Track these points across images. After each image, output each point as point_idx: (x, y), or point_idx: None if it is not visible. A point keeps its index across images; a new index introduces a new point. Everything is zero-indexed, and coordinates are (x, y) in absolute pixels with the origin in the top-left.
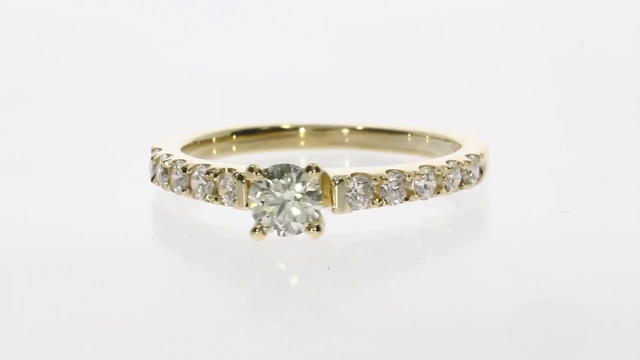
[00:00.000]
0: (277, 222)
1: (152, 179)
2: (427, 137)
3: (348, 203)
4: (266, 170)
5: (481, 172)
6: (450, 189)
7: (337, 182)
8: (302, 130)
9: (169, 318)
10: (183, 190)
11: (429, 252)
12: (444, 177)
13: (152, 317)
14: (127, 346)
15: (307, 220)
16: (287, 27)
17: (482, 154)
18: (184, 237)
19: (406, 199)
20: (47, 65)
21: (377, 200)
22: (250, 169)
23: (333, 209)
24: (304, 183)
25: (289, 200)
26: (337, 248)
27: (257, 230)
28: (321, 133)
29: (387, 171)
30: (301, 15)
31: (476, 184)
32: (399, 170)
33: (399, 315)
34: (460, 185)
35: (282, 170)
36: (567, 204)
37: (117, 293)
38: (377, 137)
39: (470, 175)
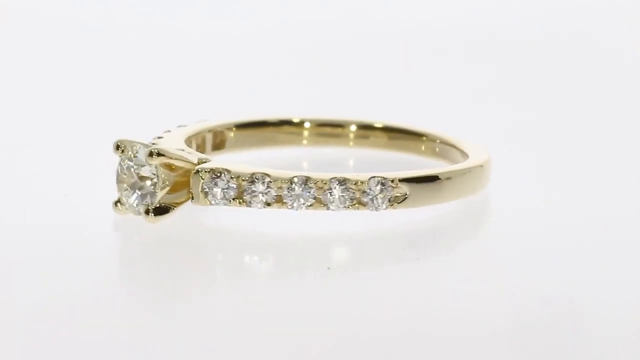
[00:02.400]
0: (129, 201)
1: None
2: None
3: (205, 196)
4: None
5: (398, 198)
6: (330, 206)
7: (193, 173)
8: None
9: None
10: None
11: (425, 253)
12: (324, 192)
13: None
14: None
15: (143, 204)
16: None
17: (397, 179)
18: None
19: (268, 204)
20: (42, 61)
21: (240, 201)
22: (117, 147)
23: (191, 199)
24: (146, 167)
25: (135, 181)
26: (340, 249)
27: (116, 204)
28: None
29: (253, 173)
30: (308, 12)
31: (387, 208)
32: (264, 174)
33: (396, 315)
34: (351, 206)
35: (125, 151)
36: (568, 209)
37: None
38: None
39: (369, 197)
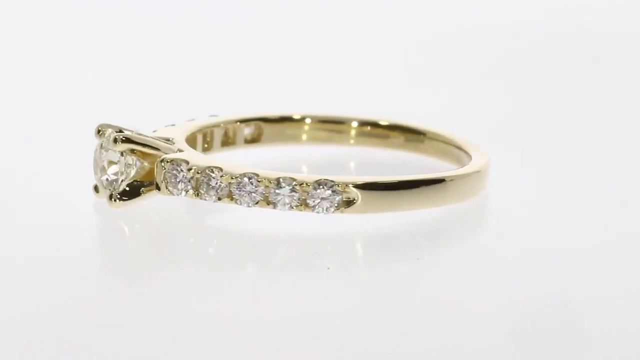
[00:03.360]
0: (101, 185)
1: None
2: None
3: (167, 186)
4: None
5: (348, 203)
6: (276, 205)
7: (158, 162)
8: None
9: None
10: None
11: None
12: (270, 190)
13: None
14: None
15: (109, 188)
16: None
17: (347, 184)
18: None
19: (219, 198)
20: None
21: (196, 193)
22: (98, 131)
23: (157, 188)
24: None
25: (103, 166)
26: (339, 245)
27: (95, 187)
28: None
29: (208, 167)
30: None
31: (334, 212)
32: (217, 167)
33: (396, 315)
34: (296, 207)
35: (100, 135)
36: (568, 209)
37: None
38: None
39: (315, 199)
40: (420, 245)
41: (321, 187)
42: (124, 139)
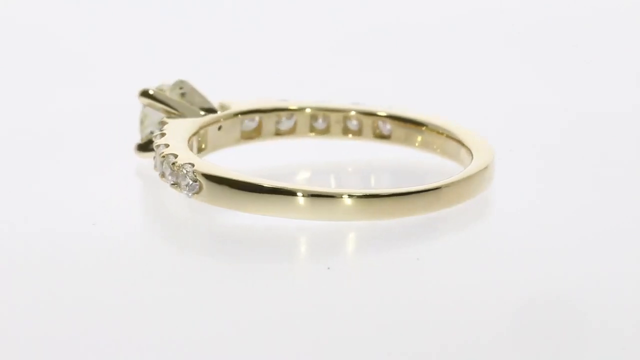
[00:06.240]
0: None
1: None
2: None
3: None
4: None
5: (200, 190)
6: (165, 180)
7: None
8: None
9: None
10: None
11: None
12: (164, 165)
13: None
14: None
15: (142, 139)
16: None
17: (199, 173)
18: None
19: (155, 167)
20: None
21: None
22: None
23: None
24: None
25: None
26: (338, 244)
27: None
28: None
29: (151, 138)
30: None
31: (192, 197)
32: (160, 133)
33: (396, 316)
34: (172, 185)
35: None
36: (569, 208)
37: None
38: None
39: (182, 181)
40: (419, 246)
41: (182, 170)
42: (144, 93)
